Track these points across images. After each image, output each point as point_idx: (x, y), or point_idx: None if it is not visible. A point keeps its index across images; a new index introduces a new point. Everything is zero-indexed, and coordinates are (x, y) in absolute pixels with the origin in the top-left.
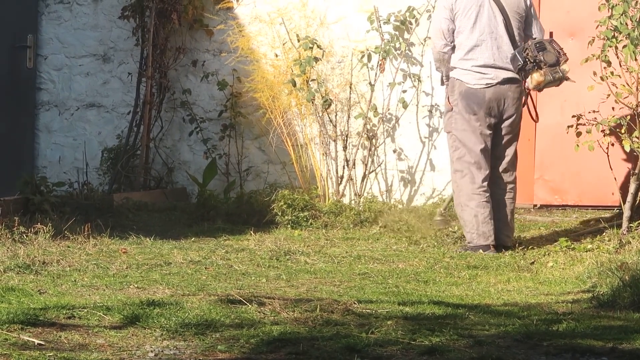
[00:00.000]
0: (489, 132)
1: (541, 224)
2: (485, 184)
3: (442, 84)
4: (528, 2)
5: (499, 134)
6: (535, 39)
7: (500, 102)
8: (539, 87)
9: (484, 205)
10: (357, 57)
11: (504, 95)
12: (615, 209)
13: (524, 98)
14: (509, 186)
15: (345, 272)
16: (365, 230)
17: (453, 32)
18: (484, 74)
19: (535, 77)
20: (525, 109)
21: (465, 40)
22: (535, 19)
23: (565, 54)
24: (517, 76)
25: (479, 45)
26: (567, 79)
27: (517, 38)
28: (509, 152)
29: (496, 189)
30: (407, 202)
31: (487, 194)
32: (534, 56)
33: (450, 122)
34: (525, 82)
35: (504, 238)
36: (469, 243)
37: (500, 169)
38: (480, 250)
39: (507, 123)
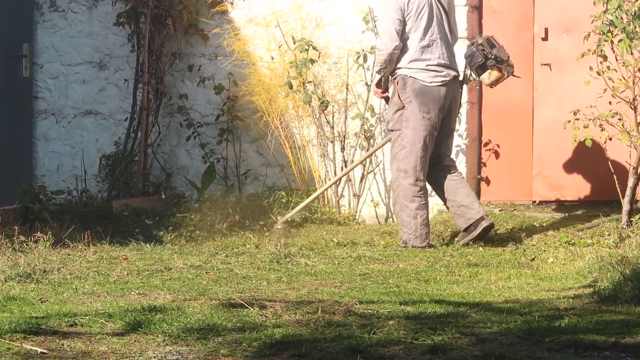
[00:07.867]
0: (437, 131)
1: (540, 220)
2: (425, 185)
3: (379, 85)
4: None
5: (444, 129)
6: (481, 35)
7: (451, 100)
8: (496, 84)
9: (423, 207)
10: (353, 58)
11: (454, 93)
12: (614, 203)
13: None
14: (459, 173)
15: (346, 273)
16: (363, 231)
17: (402, 33)
18: (438, 72)
19: (494, 74)
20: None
21: (417, 41)
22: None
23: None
24: (458, 74)
25: (430, 46)
26: (513, 74)
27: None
28: (451, 144)
29: (450, 175)
30: None
31: (426, 196)
32: (491, 52)
33: (401, 120)
34: (475, 79)
35: (480, 209)
36: (404, 243)
37: (447, 158)
38: None
39: (452, 118)
